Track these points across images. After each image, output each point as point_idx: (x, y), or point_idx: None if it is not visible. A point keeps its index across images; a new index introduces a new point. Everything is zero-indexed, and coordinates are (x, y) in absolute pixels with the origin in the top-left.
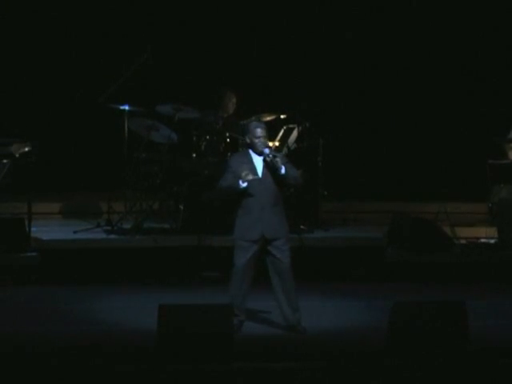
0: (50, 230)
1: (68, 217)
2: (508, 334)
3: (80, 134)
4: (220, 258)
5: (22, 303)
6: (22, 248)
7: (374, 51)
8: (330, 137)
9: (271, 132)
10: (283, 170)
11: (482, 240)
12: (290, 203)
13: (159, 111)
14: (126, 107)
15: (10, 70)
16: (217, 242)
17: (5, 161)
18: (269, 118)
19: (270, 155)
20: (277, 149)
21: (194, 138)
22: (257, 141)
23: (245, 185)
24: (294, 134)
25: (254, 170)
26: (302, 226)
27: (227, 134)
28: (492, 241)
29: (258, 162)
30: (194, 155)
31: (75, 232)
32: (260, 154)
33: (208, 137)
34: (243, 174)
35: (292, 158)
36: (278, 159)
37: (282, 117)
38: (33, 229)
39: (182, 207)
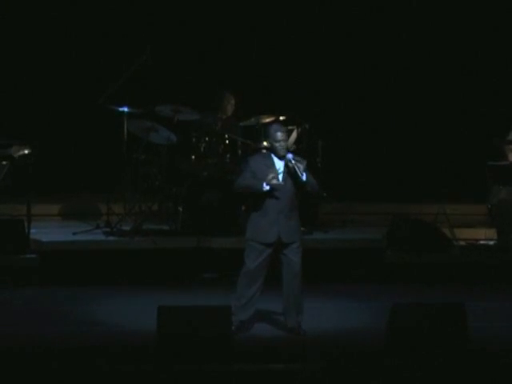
0: (49, 231)
1: (67, 218)
2: (507, 336)
3: (79, 135)
4: (219, 259)
5: (22, 305)
6: (22, 250)
7: (373, 52)
8: (330, 138)
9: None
10: (304, 177)
11: (482, 241)
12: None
13: (158, 113)
14: (126, 109)
15: (9, 72)
16: (216, 244)
17: (4, 162)
18: (268, 120)
19: (293, 161)
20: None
21: (194, 140)
22: (277, 145)
23: (267, 188)
24: (294, 135)
25: (277, 174)
26: (301, 228)
27: (226, 136)
28: (491, 242)
29: (279, 165)
30: (193, 157)
31: (74, 233)
32: (281, 158)
33: (207, 138)
34: (269, 177)
35: None
36: (300, 165)
37: (281, 118)
38: (32, 230)
39: (181, 209)
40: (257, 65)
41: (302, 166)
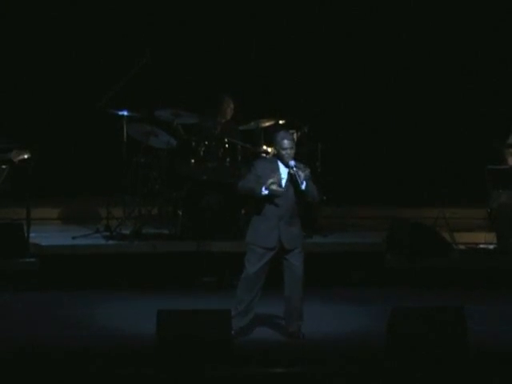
0: (48, 235)
1: (67, 222)
2: (507, 339)
3: (79, 139)
4: (219, 263)
5: (21, 308)
6: (21, 253)
7: (373, 54)
8: (329, 142)
9: (270, 137)
10: (304, 186)
11: (481, 245)
12: None
13: (158, 116)
14: (125, 112)
15: (8, 75)
16: (216, 248)
17: (3, 166)
18: (267, 123)
19: (295, 168)
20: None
21: (193, 144)
22: (284, 152)
23: (266, 192)
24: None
25: (279, 180)
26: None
27: (226, 140)
28: (491, 246)
29: (284, 172)
30: (193, 160)
31: (74, 237)
32: (287, 165)
33: (207, 142)
34: (269, 182)
35: None
36: (301, 173)
37: (280, 122)
38: (32, 234)
39: (180, 212)
40: (256, 68)
41: (302, 175)
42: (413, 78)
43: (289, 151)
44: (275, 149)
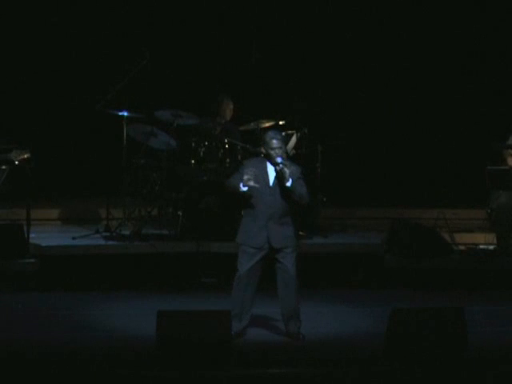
0: (48, 236)
1: (67, 223)
2: (507, 340)
3: (79, 140)
4: (219, 264)
5: (21, 309)
6: (21, 254)
7: (372, 56)
8: (329, 143)
9: None
10: (289, 183)
11: (481, 246)
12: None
13: (158, 117)
14: (125, 113)
15: (8, 77)
16: (215, 248)
17: (4, 167)
18: (267, 124)
19: (281, 165)
20: None
21: (193, 145)
22: (272, 152)
23: (245, 189)
24: (293, 140)
25: (263, 178)
26: (300, 232)
27: (226, 141)
28: (491, 247)
29: (272, 172)
30: (193, 161)
31: (74, 238)
32: (274, 163)
33: (207, 143)
34: (245, 178)
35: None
36: (286, 170)
37: (280, 123)
38: (31, 235)
39: (180, 213)
40: (256, 69)
41: (288, 171)
42: (413, 79)
43: (277, 151)
44: (264, 148)
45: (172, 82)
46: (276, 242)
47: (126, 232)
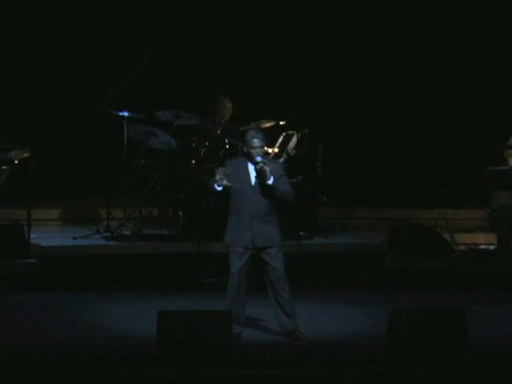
0: (49, 236)
1: (67, 223)
2: (507, 341)
3: (79, 140)
4: (219, 264)
5: (21, 310)
6: (21, 254)
7: (373, 56)
8: (330, 143)
9: (270, 138)
10: (271, 181)
11: (482, 246)
12: (289, 209)
13: (158, 117)
14: (126, 113)
15: (8, 77)
16: (216, 249)
17: (4, 167)
18: (268, 125)
19: (261, 164)
20: (276, 155)
21: (194, 145)
22: (253, 151)
23: (220, 188)
24: (294, 140)
25: (244, 177)
26: (301, 233)
27: (226, 141)
28: (491, 247)
29: (254, 171)
30: (194, 162)
31: (74, 238)
32: (255, 163)
33: (207, 143)
34: (217, 178)
35: (291, 164)
36: (266, 168)
37: (281, 123)
38: (32, 235)
39: (181, 214)
40: (257, 69)
41: (268, 169)
42: (413, 79)
43: (258, 150)
44: (245, 147)
45: (172, 82)
46: (259, 242)
47: (127, 232)
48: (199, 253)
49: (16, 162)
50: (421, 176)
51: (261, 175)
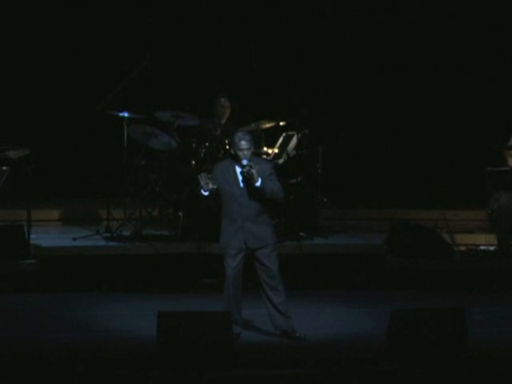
0: (49, 236)
1: (67, 224)
2: (507, 342)
3: (79, 140)
4: (219, 265)
5: (21, 310)
6: (22, 255)
7: (373, 56)
8: (330, 144)
9: (270, 139)
10: (259, 183)
11: (482, 247)
12: (289, 210)
13: (158, 118)
14: (126, 114)
15: (8, 77)
16: (216, 249)
17: (4, 168)
18: (268, 125)
19: (247, 167)
20: (276, 155)
21: (194, 145)
22: (240, 153)
23: (206, 193)
24: (294, 140)
25: (233, 179)
26: (301, 233)
27: (226, 141)
28: (491, 248)
29: (241, 173)
30: (194, 162)
31: (74, 239)
32: (241, 166)
33: (207, 144)
34: (202, 183)
35: (291, 164)
36: (252, 171)
37: (281, 124)
38: (32, 236)
39: (181, 214)
40: (257, 70)
41: (254, 171)
42: (413, 79)
43: (245, 152)
44: (233, 149)
45: (172, 82)
46: (252, 243)
47: (127, 233)
48: (199, 253)
49: (15, 160)
50: (421, 176)
51: (248, 178)
